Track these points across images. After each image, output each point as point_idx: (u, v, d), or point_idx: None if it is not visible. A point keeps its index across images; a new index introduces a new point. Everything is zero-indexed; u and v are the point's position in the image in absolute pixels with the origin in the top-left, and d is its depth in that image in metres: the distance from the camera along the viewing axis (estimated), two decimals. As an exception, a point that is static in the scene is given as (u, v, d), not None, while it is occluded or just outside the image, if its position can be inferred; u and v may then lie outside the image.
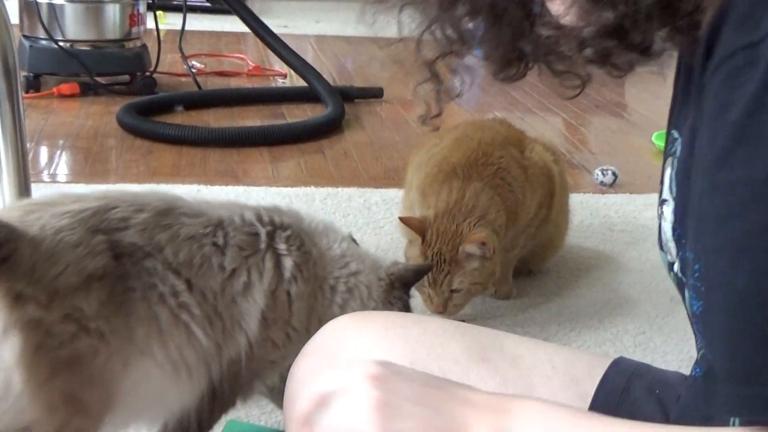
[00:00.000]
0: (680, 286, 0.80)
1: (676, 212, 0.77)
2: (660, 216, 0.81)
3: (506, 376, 0.98)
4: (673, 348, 1.78)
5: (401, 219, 1.89)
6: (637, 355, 1.74)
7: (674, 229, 0.78)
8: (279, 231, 1.25)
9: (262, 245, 1.22)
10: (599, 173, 2.78)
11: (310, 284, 1.28)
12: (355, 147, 3.03)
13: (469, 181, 1.86)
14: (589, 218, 2.47)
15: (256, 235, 1.22)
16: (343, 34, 5.22)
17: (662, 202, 0.80)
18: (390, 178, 2.70)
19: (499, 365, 0.98)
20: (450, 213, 1.80)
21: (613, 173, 2.77)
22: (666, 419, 0.93)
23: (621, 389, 0.97)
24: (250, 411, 1.49)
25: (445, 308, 1.80)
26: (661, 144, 3.16)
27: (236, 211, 1.22)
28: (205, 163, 2.76)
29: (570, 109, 3.76)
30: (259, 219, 1.24)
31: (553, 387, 0.97)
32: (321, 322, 1.22)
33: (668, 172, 0.79)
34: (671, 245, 0.79)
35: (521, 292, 2.01)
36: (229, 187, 2.54)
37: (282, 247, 1.24)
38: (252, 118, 3.30)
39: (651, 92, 4.25)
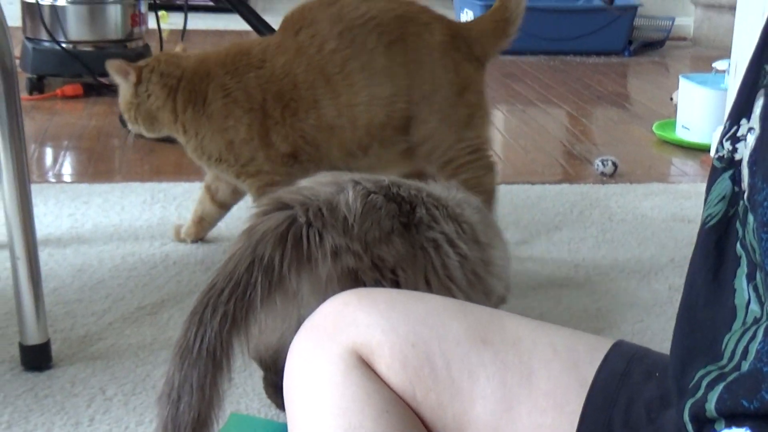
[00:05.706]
0: (744, 214, 0.82)
1: (759, 140, 0.80)
2: (730, 152, 0.85)
3: (506, 360, 0.98)
4: (671, 336, 1.78)
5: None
6: (635, 342, 1.74)
7: (751, 156, 0.81)
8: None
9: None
10: (599, 163, 2.80)
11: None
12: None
13: None
14: (588, 208, 2.48)
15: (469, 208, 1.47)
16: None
17: (747, 131, 0.83)
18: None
19: (499, 349, 0.99)
20: None
21: (613, 163, 2.78)
22: (665, 402, 0.94)
23: (621, 373, 0.97)
24: (251, 404, 1.51)
25: None
26: (662, 134, 3.18)
27: (444, 193, 1.45)
28: (208, 161, 2.77)
29: (572, 100, 3.77)
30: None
31: (552, 371, 0.97)
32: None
33: (760, 101, 0.82)
34: (745, 172, 0.82)
35: (518, 281, 2.02)
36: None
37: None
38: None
39: (652, 83, 4.26)
